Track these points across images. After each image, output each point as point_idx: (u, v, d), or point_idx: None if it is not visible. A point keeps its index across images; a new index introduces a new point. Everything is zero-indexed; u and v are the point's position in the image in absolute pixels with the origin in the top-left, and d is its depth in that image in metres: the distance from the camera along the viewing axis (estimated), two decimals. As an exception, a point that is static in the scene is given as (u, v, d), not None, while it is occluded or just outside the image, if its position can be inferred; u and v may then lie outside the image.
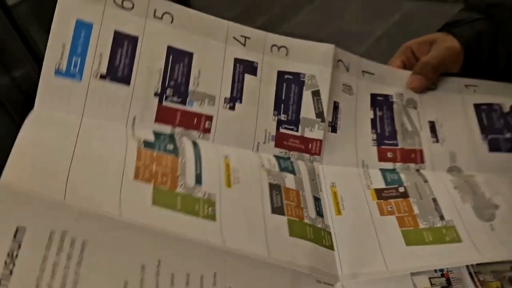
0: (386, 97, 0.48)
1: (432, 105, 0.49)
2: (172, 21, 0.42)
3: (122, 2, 0.40)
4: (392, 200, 0.42)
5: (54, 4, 0.38)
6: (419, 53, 0.53)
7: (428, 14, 2.32)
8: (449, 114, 0.49)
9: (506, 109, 0.50)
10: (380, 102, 0.48)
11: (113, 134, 0.37)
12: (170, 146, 0.38)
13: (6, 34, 0.86)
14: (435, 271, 0.38)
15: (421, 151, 0.47)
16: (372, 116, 0.47)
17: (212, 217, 0.36)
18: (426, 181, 0.44)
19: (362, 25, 2.37)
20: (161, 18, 0.41)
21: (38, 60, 0.91)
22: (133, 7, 0.41)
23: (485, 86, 0.51)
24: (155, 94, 0.40)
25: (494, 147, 0.48)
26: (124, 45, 0.40)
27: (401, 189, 0.43)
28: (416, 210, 0.42)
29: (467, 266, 0.38)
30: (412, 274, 0.37)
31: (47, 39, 0.38)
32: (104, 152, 0.35)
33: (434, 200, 0.43)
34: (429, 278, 0.37)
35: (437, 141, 0.47)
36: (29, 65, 0.93)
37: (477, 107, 0.50)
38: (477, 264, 0.38)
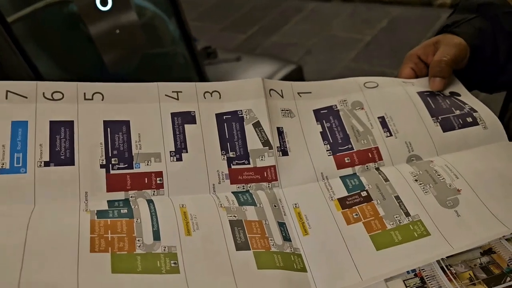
0: (330, 108, 0.49)
1: (378, 101, 0.50)
2: (103, 99, 0.44)
3: (52, 95, 0.43)
4: (356, 207, 0.43)
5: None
6: (425, 57, 0.54)
7: (415, 18, 2.36)
8: (396, 106, 0.50)
9: (447, 94, 0.52)
10: (325, 115, 0.49)
11: (65, 213, 0.38)
12: (124, 210, 0.39)
13: (7, 50, 0.87)
14: (408, 272, 0.38)
15: (377, 148, 0.47)
16: (320, 130, 0.48)
17: (175, 270, 0.36)
18: (386, 179, 0.44)
19: (351, 32, 2.39)
20: (92, 98, 0.44)
21: (37, 75, 0.93)
22: (63, 97, 0.43)
23: (420, 82, 0.53)
24: (101, 166, 0.42)
25: (447, 127, 0.48)
26: (61, 131, 0.42)
27: (364, 193, 0.44)
28: (381, 212, 0.42)
29: (438, 261, 0.38)
30: (386, 280, 0.38)
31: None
32: (56, 234, 0.36)
33: (397, 197, 0.43)
34: (403, 281, 0.37)
35: (390, 134, 0.48)
36: (29, 80, 0.95)
37: (421, 94, 0.51)
38: (448, 256, 0.38)
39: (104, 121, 0.43)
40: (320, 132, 0.48)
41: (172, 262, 0.36)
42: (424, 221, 0.41)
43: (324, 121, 0.48)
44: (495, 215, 0.41)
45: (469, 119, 0.49)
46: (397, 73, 0.56)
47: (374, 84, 0.51)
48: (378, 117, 0.49)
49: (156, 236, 0.38)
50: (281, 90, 0.49)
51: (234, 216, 0.41)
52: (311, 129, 0.48)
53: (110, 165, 0.42)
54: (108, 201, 0.40)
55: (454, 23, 0.54)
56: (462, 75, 0.54)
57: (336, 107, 0.49)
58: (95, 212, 0.38)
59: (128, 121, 0.44)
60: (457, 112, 0.49)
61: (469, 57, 0.53)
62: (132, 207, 0.40)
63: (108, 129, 0.43)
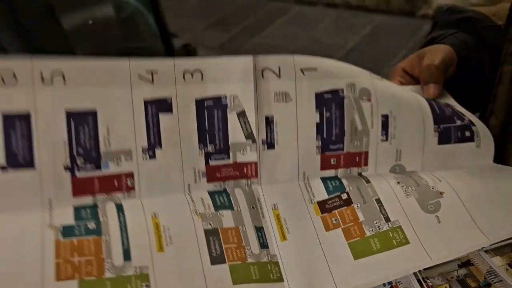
0: (336, 92, 0.43)
1: (386, 93, 0.45)
2: (64, 81, 0.37)
3: (3, 79, 0.36)
4: (336, 211, 0.41)
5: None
6: (411, 69, 0.52)
7: (398, 27, 2.38)
8: (403, 102, 0.45)
9: (444, 103, 0.49)
10: (328, 101, 0.43)
11: (26, 230, 0.35)
12: (91, 225, 0.36)
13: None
14: (384, 284, 0.37)
15: (366, 154, 0.44)
16: (318, 120, 0.43)
17: None
18: (368, 181, 0.43)
19: (334, 37, 2.40)
20: (51, 81, 0.37)
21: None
22: (16, 80, 0.36)
23: (416, 89, 0.50)
24: (66, 168, 0.37)
25: (444, 139, 0.45)
26: (16, 126, 0.36)
27: (344, 196, 0.42)
28: (361, 217, 0.41)
29: (415, 273, 0.37)
30: None
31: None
32: (17, 258, 0.33)
33: (378, 200, 0.41)
34: (379, 293, 0.37)
35: (386, 139, 0.44)
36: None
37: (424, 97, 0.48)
38: (425, 268, 0.38)
39: (66, 112, 0.37)
40: (317, 123, 0.43)
41: (144, 284, 0.34)
42: (404, 228, 0.40)
43: (325, 109, 0.43)
44: (476, 223, 0.40)
45: (467, 133, 0.46)
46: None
47: (380, 78, 0.47)
48: (382, 115, 0.44)
49: (127, 255, 0.35)
50: (279, 68, 0.42)
51: (209, 224, 0.38)
52: (308, 118, 0.43)
53: (76, 166, 0.37)
54: (75, 208, 0.37)
55: (439, 36, 0.54)
56: (448, 90, 0.52)
57: (343, 92, 0.43)
58: (61, 228, 0.35)
59: (95, 111, 0.38)
60: (459, 122, 0.46)
61: (455, 69, 0.51)
62: (101, 219, 0.37)
63: (72, 121, 0.37)
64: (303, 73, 0.42)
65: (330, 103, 0.43)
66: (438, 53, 0.50)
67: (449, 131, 0.45)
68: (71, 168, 0.37)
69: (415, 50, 0.55)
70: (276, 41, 2.38)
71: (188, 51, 1.37)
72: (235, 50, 2.29)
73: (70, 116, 0.37)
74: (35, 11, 1.01)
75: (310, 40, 2.37)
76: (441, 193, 0.42)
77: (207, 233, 0.38)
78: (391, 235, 0.40)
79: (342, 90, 0.43)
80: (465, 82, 0.53)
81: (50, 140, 0.37)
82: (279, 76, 0.42)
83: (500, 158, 0.47)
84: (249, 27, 2.52)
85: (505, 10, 0.50)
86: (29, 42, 1.02)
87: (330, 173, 0.43)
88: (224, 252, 0.37)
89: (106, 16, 1.00)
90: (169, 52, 1.16)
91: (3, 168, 0.35)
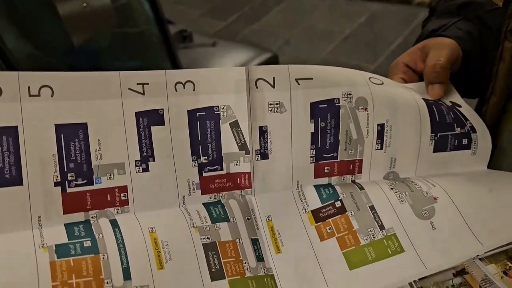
0: (331, 102, 0.42)
1: (384, 102, 0.43)
2: (52, 94, 0.36)
3: None
4: (330, 220, 0.41)
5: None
6: (413, 64, 0.49)
7: (393, 15, 2.38)
8: (401, 111, 0.44)
9: (448, 103, 0.47)
10: (323, 110, 0.42)
11: (18, 252, 0.33)
12: (87, 242, 0.35)
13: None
14: None
15: (360, 161, 0.43)
16: (312, 130, 0.42)
17: None
18: (362, 188, 0.42)
19: (330, 25, 2.39)
20: (39, 94, 0.35)
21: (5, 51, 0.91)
22: (1, 94, 0.34)
23: (419, 87, 0.48)
24: (56, 184, 0.36)
25: (440, 146, 0.44)
26: (2, 141, 0.34)
27: (338, 204, 0.41)
28: (355, 225, 0.40)
29: (410, 283, 0.37)
30: None
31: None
32: (12, 286, 0.31)
33: (372, 208, 0.41)
34: (375, 304, 0.36)
35: (381, 147, 0.43)
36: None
37: (426, 101, 0.45)
38: (420, 278, 0.37)
39: (56, 125, 0.36)
40: (311, 133, 0.42)
41: None
42: (399, 235, 0.39)
43: (320, 119, 0.42)
44: (470, 228, 0.39)
45: (465, 141, 0.45)
46: (374, 68, 0.53)
47: (379, 81, 0.45)
48: (378, 124, 0.43)
49: (127, 274, 0.34)
50: (274, 78, 0.41)
51: (207, 238, 0.38)
52: (302, 128, 0.42)
53: (66, 182, 0.36)
54: (66, 225, 0.36)
55: (441, 27, 0.51)
56: (453, 82, 0.49)
57: (338, 102, 0.42)
58: (54, 248, 0.34)
59: (85, 123, 0.37)
60: (458, 130, 0.45)
61: (462, 60, 0.49)
62: (96, 236, 0.35)
63: (62, 135, 0.36)
64: (298, 83, 0.41)
65: (325, 113, 0.42)
66: (443, 50, 0.47)
67: (445, 139, 0.45)
68: (62, 184, 0.36)
69: (411, 38, 0.54)
70: (273, 28, 2.37)
71: (184, 37, 1.37)
72: (231, 38, 2.28)
73: (60, 129, 0.36)
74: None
75: (306, 27, 2.36)
76: (435, 198, 0.41)
77: (206, 247, 0.37)
78: (386, 244, 0.39)
79: (338, 99, 0.42)
80: (469, 75, 0.51)
81: (39, 155, 0.35)
82: (273, 86, 0.41)
83: (495, 137, 0.47)
84: (245, 15, 2.51)
85: None
86: (25, 28, 1.02)
87: (323, 180, 0.43)
88: (223, 267, 0.37)
89: (101, 2, 1.00)
90: (165, 37, 1.17)
91: None
